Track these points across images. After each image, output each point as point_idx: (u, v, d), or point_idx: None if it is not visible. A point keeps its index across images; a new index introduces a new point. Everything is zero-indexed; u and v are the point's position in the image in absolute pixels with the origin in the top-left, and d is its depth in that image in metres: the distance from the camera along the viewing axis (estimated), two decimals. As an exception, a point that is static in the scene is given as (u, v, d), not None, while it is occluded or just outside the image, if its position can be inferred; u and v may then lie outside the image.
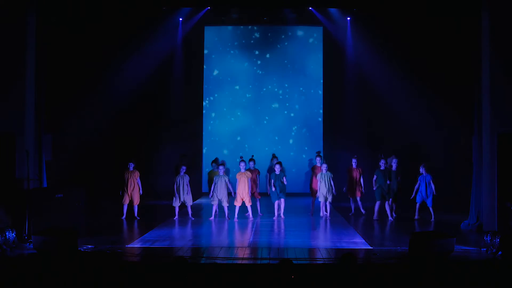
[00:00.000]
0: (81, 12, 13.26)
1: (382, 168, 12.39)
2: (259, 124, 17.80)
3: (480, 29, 10.88)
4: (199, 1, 14.97)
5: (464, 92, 12.18)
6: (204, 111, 17.81)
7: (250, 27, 17.85)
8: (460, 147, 13.90)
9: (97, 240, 9.56)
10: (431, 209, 12.37)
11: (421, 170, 12.50)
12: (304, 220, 12.42)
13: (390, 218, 12.30)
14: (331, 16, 16.90)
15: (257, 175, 12.71)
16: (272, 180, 12.27)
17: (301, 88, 17.81)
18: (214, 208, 12.31)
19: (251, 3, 14.93)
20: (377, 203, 12.40)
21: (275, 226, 11.62)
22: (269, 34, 17.89)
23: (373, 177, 12.44)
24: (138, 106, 16.19)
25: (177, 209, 12.45)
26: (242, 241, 9.87)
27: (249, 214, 12.33)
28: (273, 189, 12.21)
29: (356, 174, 13.01)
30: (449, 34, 13.82)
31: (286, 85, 17.84)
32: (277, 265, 6.24)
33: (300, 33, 17.84)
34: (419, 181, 12.44)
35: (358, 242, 9.71)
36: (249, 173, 12.24)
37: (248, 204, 12.18)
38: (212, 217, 12.25)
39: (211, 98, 17.84)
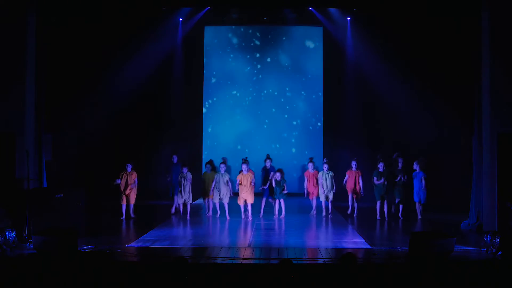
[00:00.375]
0: (81, 12, 13.25)
1: (380, 170, 12.43)
2: (259, 125, 17.78)
3: (480, 29, 10.88)
4: (199, 1, 14.96)
5: (464, 92, 12.17)
6: (204, 112, 17.79)
7: (250, 27, 17.83)
8: (460, 147, 13.89)
9: (97, 240, 9.56)
10: (420, 207, 12.37)
11: (415, 166, 12.38)
12: (304, 220, 12.42)
13: (386, 218, 12.40)
14: (331, 16, 16.90)
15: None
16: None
17: (301, 88, 17.79)
18: (211, 204, 12.56)
19: (251, 3, 14.92)
20: (378, 203, 12.47)
21: (275, 226, 11.62)
22: (269, 36, 17.86)
23: (373, 178, 12.52)
24: (138, 106, 16.19)
25: (181, 207, 12.63)
26: (242, 241, 9.87)
27: (248, 214, 12.34)
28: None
29: (356, 176, 12.96)
30: (449, 34, 13.81)
31: (286, 84, 17.82)
32: (277, 265, 6.24)
33: (300, 33, 17.82)
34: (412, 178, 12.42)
35: (358, 242, 9.71)
36: (251, 174, 12.32)
37: (249, 203, 12.30)
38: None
39: (211, 100, 17.82)
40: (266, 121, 17.77)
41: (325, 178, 12.82)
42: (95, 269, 6.83)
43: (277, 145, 17.59)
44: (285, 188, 12.39)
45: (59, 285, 6.81)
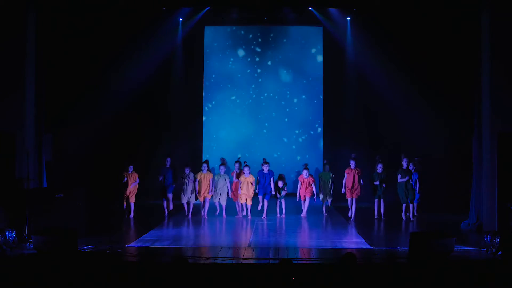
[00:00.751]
0: (81, 12, 13.24)
1: (379, 171, 12.45)
2: (259, 124, 17.78)
3: (480, 29, 10.88)
4: (199, 1, 14.97)
5: (464, 92, 12.17)
6: (204, 112, 17.80)
7: (250, 27, 17.83)
8: (460, 147, 13.89)
9: (97, 240, 9.56)
10: (415, 207, 12.36)
11: (410, 167, 12.38)
12: (304, 220, 12.42)
13: (380, 216, 12.50)
14: (331, 16, 16.90)
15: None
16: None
17: (301, 88, 17.79)
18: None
19: (251, 3, 14.92)
20: (375, 202, 12.58)
21: (275, 226, 11.62)
22: (269, 36, 17.86)
23: (372, 179, 12.55)
24: (138, 106, 16.18)
25: (185, 206, 12.74)
26: (242, 241, 9.87)
27: (243, 213, 12.75)
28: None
29: (354, 175, 12.84)
30: (449, 34, 13.81)
31: (286, 84, 17.81)
32: (277, 265, 6.24)
33: (300, 33, 17.81)
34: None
35: (358, 242, 9.71)
36: (252, 177, 12.58)
37: (249, 203, 12.64)
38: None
39: (211, 101, 17.82)
40: (266, 124, 17.76)
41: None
42: (95, 269, 6.83)
43: (277, 145, 17.58)
44: (285, 188, 12.69)
45: (59, 285, 6.81)
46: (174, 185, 12.88)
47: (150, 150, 16.36)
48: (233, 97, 17.84)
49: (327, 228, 11.56)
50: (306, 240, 10.23)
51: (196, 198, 12.72)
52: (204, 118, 17.81)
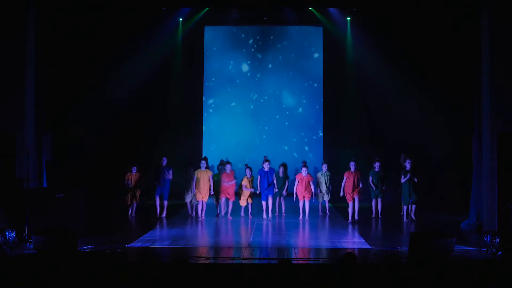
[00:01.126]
0: (81, 12, 13.24)
1: (376, 170, 12.45)
2: (259, 126, 17.78)
3: (480, 29, 10.88)
4: (199, 1, 14.97)
5: (464, 91, 12.17)
6: (204, 112, 17.81)
7: (250, 27, 17.83)
8: (460, 147, 13.89)
9: (97, 240, 9.56)
10: (411, 208, 12.32)
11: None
12: (304, 220, 12.41)
13: (377, 215, 12.58)
14: (331, 16, 16.90)
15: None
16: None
17: (301, 88, 17.79)
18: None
19: (251, 3, 14.92)
20: (373, 202, 12.64)
21: (275, 226, 11.63)
22: (270, 36, 17.86)
23: (369, 178, 12.56)
24: (138, 106, 16.17)
25: (188, 205, 12.81)
26: (242, 241, 9.87)
27: (248, 212, 12.74)
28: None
29: (354, 178, 12.50)
30: (449, 33, 13.80)
31: (286, 85, 17.81)
32: (276, 265, 6.24)
33: (300, 33, 17.81)
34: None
35: (358, 242, 9.72)
36: (252, 178, 12.58)
37: (250, 202, 12.67)
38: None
39: (211, 101, 17.83)
40: (266, 127, 17.74)
41: (323, 178, 12.91)
42: (95, 269, 6.83)
43: (277, 145, 17.58)
44: (286, 182, 12.69)
45: (59, 285, 6.81)
46: (169, 184, 12.76)
47: (150, 150, 16.35)
48: (233, 97, 17.82)
49: (327, 228, 11.56)
50: (306, 240, 10.23)
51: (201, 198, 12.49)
52: (204, 118, 17.80)
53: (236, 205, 12.84)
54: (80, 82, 14.56)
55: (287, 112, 17.82)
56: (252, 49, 17.87)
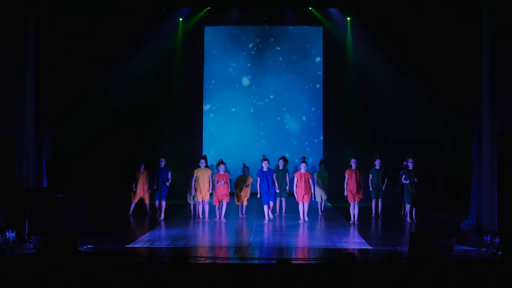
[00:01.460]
0: (81, 12, 13.25)
1: (377, 167, 12.44)
2: (259, 126, 17.78)
3: (480, 29, 10.88)
4: (199, 1, 14.97)
5: (464, 92, 12.17)
6: (204, 113, 17.81)
7: (250, 27, 17.83)
8: (460, 147, 13.89)
9: (97, 240, 9.56)
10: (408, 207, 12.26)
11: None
12: (304, 222, 12.40)
13: (377, 214, 12.63)
14: (331, 16, 16.90)
15: (228, 179, 12.44)
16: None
17: (301, 88, 17.79)
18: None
19: (251, 3, 14.93)
20: (373, 201, 12.67)
21: (275, 226, 11.63)
22: (270, 36, 17.87)
23: (369, 176, 12.57)
24: (138, 106, 16.18)
25: (192, 206, 12.84)
26: (242, 241, 9.87)
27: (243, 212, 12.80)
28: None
29: (356, 177, 12.35)
30: (449, 33, 13.80)
31: (286, 84, 17.81)
32: (276, 265, 6.23)
33: (300, 33, 17.81)
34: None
35: (358, 242, 9.71)
36: (250, 179, 12.45)
37: (245, 204, 12.67)
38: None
39: (211, 101, 17.83)
40: (266, 126, 17.76)
41: (321, 177, 12.95)
42: (95, 269, 6.82)
43: (277, 145, 17.57)
44: (286, 180, 12.68)
45: (59, 285, 6.81)
46: (168, 185, 12.72)
47: (150, 150, 16.35)
48: (233, 97, 17.83)
49: (327, 228, 11.55)
50: (306, 240, 10.22)
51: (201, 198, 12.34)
52: (204, 118, 17.80)
53: (236, 206, 12.86)
54: (80, 82, 14.56)
55: (286, 109, 17.80)
56: (252, 49, 17.87)
